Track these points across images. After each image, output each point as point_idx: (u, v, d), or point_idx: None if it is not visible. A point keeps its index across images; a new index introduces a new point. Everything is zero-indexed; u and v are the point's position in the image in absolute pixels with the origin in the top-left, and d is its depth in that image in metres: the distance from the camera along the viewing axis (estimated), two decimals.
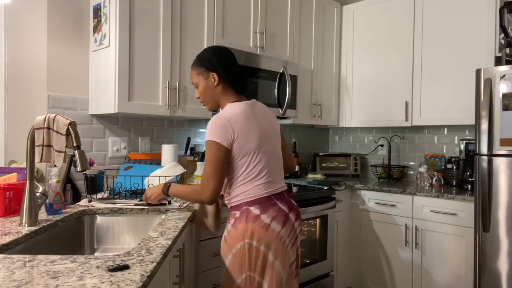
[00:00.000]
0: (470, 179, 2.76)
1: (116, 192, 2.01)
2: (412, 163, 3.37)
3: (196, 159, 2.45)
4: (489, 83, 2.27)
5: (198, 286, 1.95)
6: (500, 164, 2.24)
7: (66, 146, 1.51)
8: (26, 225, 1.44)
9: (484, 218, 2.27)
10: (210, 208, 1.75)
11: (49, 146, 1.53)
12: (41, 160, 1.53)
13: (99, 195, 2.02)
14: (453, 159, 2.97)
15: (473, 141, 2.76)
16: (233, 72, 1.62)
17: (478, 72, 2.34)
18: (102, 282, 0.91)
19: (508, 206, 2.21)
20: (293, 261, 1.61)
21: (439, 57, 2.90)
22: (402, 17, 3.10)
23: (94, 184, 2.04)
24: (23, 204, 1.45)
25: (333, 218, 2.79)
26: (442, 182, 2.95)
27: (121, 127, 2.36)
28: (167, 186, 1.67)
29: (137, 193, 1.99)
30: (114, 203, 1.88)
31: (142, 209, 1.79)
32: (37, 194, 1.59)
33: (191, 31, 2.33)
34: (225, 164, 1.51)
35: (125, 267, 1.01)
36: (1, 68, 1.97)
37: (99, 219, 1.80)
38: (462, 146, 2.85)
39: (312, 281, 2.63)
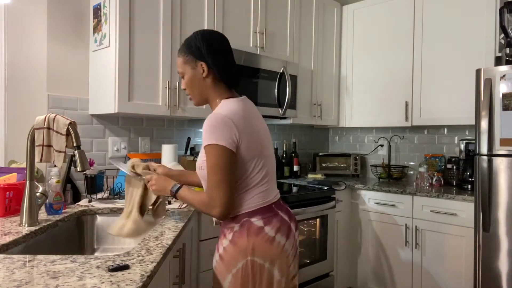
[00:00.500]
0: (470, 179, 2.75)
1: (116, 192, 2.01)
2: (412, 163, 3.37)
3: (196, 159, 2.45)
4: (489, 83, 2.27)
5: (198, 286, 1.95)
6: (500, 164, 2.24)
7: (66, 146, 1.51)
8: (26, 225, 1.44)
9: (484, 218, 2.27)
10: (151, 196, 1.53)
11: (49, 146, 1.53)
12: (41, 160, 1.53)
13: (99, 195, 2.02)
14: (453, 159, 2.97)
15: (473, 141, 2.76)
16: (225, 62, 1.38)
17: (478, 72, 2.33)
18: (102, 282, 0.91)
19: (508, 206, 2.21)
20: (294, 274, 1.45)
21: (439, 57, 2.90)
22: (402, 17, 3.10)
23: (94, 184, 2.04)
24: (23, 204, 1.45)
25: (333, 218, 2.79)
26: (442, 182, 2.95)
27: (121, 127, 2.36)
28: (177, 187, 1.40)
29: None
30: (114, 203, 1.88)
31: None
32: (37, 194, 1.59)
33: (191, 31, 2.30)
34: (233, 171, 1.28)
35: (125, 267, 1.01)
36: (1, 68, 1.97)
37: (99, 219, 1.80)
38: (462, 146, 2.85)
39: (312, 281, 2.63)
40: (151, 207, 1.56)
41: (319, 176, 3.26)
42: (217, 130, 1.25)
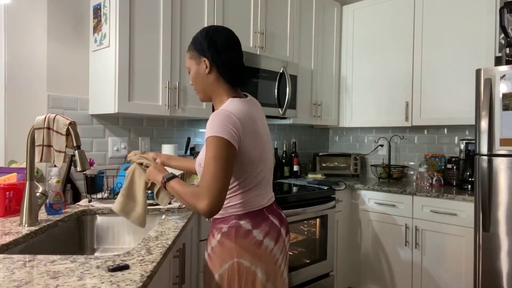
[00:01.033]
0: (470, 179, 2.75)
1: (116, 192, 2.01)
2: (412, 163, 3.37)
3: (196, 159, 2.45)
4: (489, 83, 2.27)
5: (198, 286, 1.95)
6: (500, 164, 2.24)
7: (66, 146, 1.51)
8: (26, 225, 1.44)
9: (484, 218, 2.27)
10: (139, 196, 1.54)
11: (49, 146, 1.53)
12: (41, 160, 1.53)
13: (99, 195, 2.02)
14: (453, 159, 2.97)
15: (473, 141, 2.76)
16: (228, 60, 1.34)
17: (478, 72, 2.33)
18: (102, 282, 0.91)
19: (508, 206, 2.21)
20: (284, 279, 1.43)
21: (439, 57, 2.90)
22: (402, 17, 3.10)
23: (94, 184, 2.04)
24: (23, 204, 1.45)
25: (333, 218, 2.79)
26: (442, 182, 2.95)
27: (121, 127, 2.36)
28: (169, 177, 1.36)
29: None
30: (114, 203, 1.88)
31: None
32: (37, 194, 1.59)
33: (191, 31, 2.33)
34: (232, 166, 1.24)
35: (125, 267, 1.01)
36: (1, 68, 1.97)
37: (99, 219, 1.80)
38: (462, 146, 2.85)
39: (312, 281, 2.63)
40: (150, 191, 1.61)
41: (319, 176, 3.26)
42: (220, 123, 1.22)
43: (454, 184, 2.92)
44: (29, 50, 2.04)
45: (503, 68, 2.25)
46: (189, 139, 2.55)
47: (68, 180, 1.91)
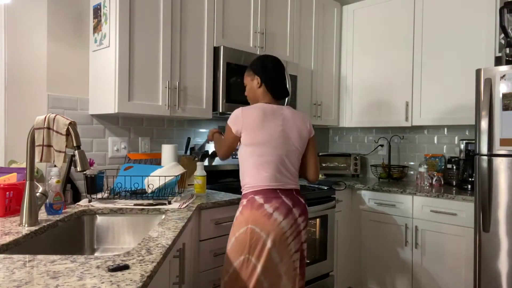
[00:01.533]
0: (470, 179, 2.76)
1: (116, 192, 2.01)
2: (412, 163, 3.37)
3: (196, 159, 2.45)
4: (489, 83, 2.27)
5: (198, 286, 1.95)
6: (500, 164, 2.24)
7: (66, 146, 1.51)
8: (26, 225, 1.44)
9: (484, 218, 2.27)
10: None
11: (49, 146, 1.53)
12: (41, 160, 1.53)
13: (99, 195, 2.02)
14: (453, 159, 2.97)
15: (473, 141, 2.76)
16: (271, 79, 1.86)
17: (478, 72, 2.34)
18: (102, 282, 0.91)
19: (508, 206, 2.21)
20: (293, 253, 1.74)
21: (439, 57, 2.90)
22: (402, 17, 3.10)
23: (94, 184, 2.04)
24: (23, 204, 1.45)
25: (333, 218, 2.80)
26: (442, 182, 2.95)
27: (121, 127, 2.36)
28: (220, 132, 2.08)
29: (137, 193, 1.99)
30: (114, 203, 1.88)
31: (142, 209, 1.79)
32: (37, 194, 1.59)
33: (191, 31, 2.33)
34: (232, 144, 1.84)
35: (125, 267, 1.01)
36: (1, 68, 1.97)
37: (99, 219, 1.80)
38: (462, 146, 2.86)
39: (312, 281, 2.63)
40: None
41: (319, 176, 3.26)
42: (232, 117, 1.81)
43: (454, 184, 2.92)
44: (29, 50, 2.04)
45: (503, 68, 2.25)
46: (189, 139, 2.54)
47: (68, 180, 1.91)
